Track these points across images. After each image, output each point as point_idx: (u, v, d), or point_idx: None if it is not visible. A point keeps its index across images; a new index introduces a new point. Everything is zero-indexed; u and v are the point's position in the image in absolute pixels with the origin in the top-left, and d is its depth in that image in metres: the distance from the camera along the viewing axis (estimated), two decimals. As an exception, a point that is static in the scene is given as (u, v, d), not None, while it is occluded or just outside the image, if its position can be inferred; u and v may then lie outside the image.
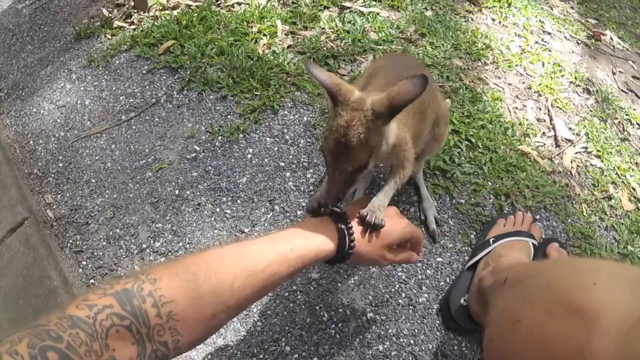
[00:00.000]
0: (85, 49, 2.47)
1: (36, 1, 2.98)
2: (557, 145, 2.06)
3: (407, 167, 1.23)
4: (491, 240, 1.54)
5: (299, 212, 1.68)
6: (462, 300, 1.44)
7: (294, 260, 0.95)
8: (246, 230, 1.64)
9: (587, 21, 2.96)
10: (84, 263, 1.65)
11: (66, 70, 2.38)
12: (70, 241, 1.72)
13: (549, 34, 2.67)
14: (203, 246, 1.62)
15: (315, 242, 1.00)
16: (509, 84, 2.26)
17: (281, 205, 1.71)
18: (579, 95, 2.34)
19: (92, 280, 1.60)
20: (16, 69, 2.49)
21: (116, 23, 2.55)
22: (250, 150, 1.89)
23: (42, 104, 2.24)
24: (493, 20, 2.65)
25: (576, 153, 2.05)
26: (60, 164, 1.96)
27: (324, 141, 1.05)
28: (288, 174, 1.80)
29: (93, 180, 1.87)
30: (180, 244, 1.63)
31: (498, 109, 2.09)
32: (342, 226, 1.04)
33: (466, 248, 1.63)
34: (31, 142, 2.08)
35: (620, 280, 0.79)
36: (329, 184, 1.07)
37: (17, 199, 1.83)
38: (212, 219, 1.69)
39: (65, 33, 2.64)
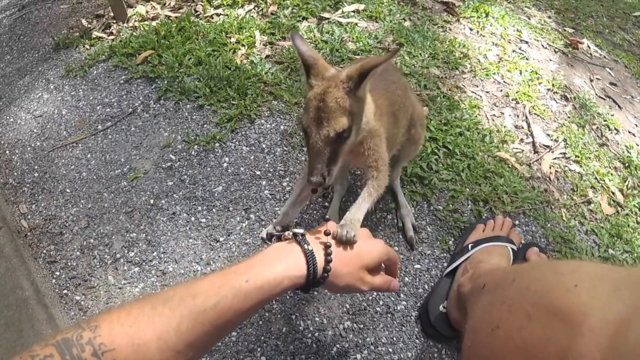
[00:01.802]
0: (64, 59, 2.45)
1: (16, 12, 2.98)
2: (536, 152, 2.08)
3: (383, 174, 1.21)
4: (470, 246, 1.53)
5: (274, 221, 1.66)
6: (441, 307, 1.43)
7: (251, 293, 0.86)
8: (221, 239, 1.62)
9: (565, 30, 3.01)
10: (58, 273, 1.62)
11: (44, 80, 2.36)
12: (44, 251, 1.69)
13: (527, 42, 2.70)
14: (177, 255, 1.60)
15: (276, 270, 0.90)
16: (487, 92, 2.28)
17: (257, 213, 1.69)
18: (557, 102, 2.37)
19: (65, 291, 1.57)
20: (-7, 79, 2.46)
21: (95, 33, 2.55)
22: (226, 159, 1.87)
23: (19, 114, 2.21)
24: (471, 30, 2.68)
25: (555, 159, 2.07)
26: (36, 174, 1.93)
27: (303, 115, 1.04)
28: (264, 183, 1.79)
29: (68, 190, 1.85)
30: (155, 253, 1.61)
31: (476, 116, 2.11)
32: (309, 247, 0.95)
33: (444, 254, 1.63)
34: (7, 151, 2.06)
35: (603, 280, 0.77)
36: (312, 158, 1.02)
37: (-9, 208, 1.80)
38: (187, 228, 1.67)
39: (45, 43, 2.62)
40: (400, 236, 1.66)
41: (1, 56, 2.62)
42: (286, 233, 1.02)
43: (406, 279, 1.56)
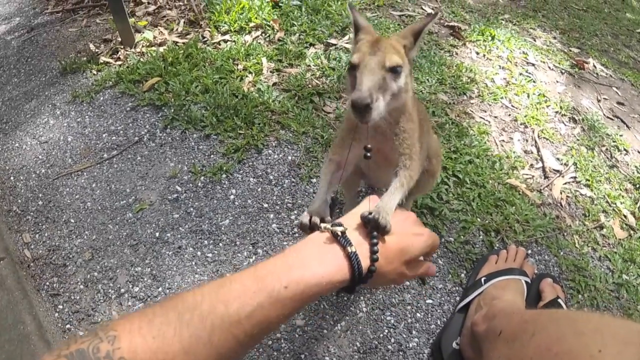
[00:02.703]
0: (71, 84, 2.44)
1: (25, 34, 2.98)
2: (546, 177, 2.05)
3: (415, 164, 1.14)
4: (483, 280, 1.50)
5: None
6: (454, 344, 1.39)
7: (289, 300, 0.77)
8: (228, 275, 1.58)
9: (570, 50, 3.00)
10: (61, 307, 1.59)
11: (50, 105, 2.35)
12: (47, 283, 1.65)
13: (533, 65, 2.69)
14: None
15: (318, 273, 0.81)
16: (495, 117, 2.26)
17: (264, 248, 1.66)
18: (565, 125, 2.35)
19: (68, 326, 1.54)
20: (0, 102, 2.45)
21: (102, 58, 2.54)
22: (233, 191, 1.85)
23: (24, 139, 2.19)
24: (477, 53, 2.67)
25: (565, 183, 2.04)
26: (40, 202, 1.91)
27: (354, 54, 0.98)
28: (272, 216, 1.76)
29: (72, 220, 1.82)
30: (160, 289, 1.57)
31: (485, 142, 2.08)
32: (353, 249, 0.85)
33: (457, 288, 1.59)
34: (12, 178, 2.03)
35: (628, 346, 0.73)
36: (362, 77, 0.92)
37: (-7, 238, 1.77)
38: (193, 262, 1.63)
39: (52, 67, 2.62)
40: (411, 270, 1.62)
41: (8, 79, 2.61)
42: (322, 226, 0.91)
43: (418, 314, 1.52)
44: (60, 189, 1.94)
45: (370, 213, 0.93)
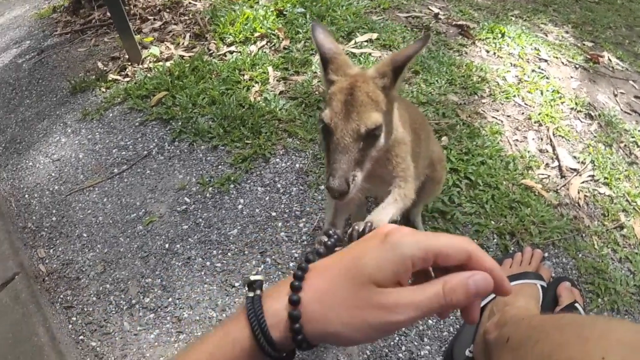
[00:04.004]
0: (81, 102, 2.49)
1: (35, 56, 3.07)
2: (562, 176, 1.98)
3: (409, 185, 1.09)
4: None
5: (291, 264, 1.62)
6: (467, 352, 1.34)
7: None
8: (237, 284, 1.58)
9: (584, 44, 2.93)
10: (74, 319, 1.61)
11: (62, 124, 2.40)
12: (61, 296, 1.68)
13: (546, 61, 2.63)
14: (192, 301, 1.56)
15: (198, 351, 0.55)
16: (508, 116, 2.21)
17: (273, 257, 1.65)
18: (581, 122, 2.28)
19: (81, 337, 1.56)
20: (14, 123, 2.52)
21: (111, 76, 2.59)
22: (241, 200, 1.85)
23: (37, 158, 2.24)
24: (487, 52, 2.62)
25: (583, 182, 1.97)
26: (54, 218, 1.94)
27: (325, 109, 0.91)
28: (280, 224, 1.75)
29: (85, 235, 1.84)
30: (170, 299, 1.57)
31: (498, 143, 2.03)
32: (255, 294, 0.56)
33: (470, 293, 1.54)
34: (26, 195, 2.08)
35: (635, 352, 0.69)
36: (336, 158, 0.86)
37: (8, 253, 1.81)
38: (202, 273, 1.63)
39: (62, 87, 2.68)
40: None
41: (21, 100, 2.69)
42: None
43: (430, 321, 1.48)
44: (73, 204, 1.97)
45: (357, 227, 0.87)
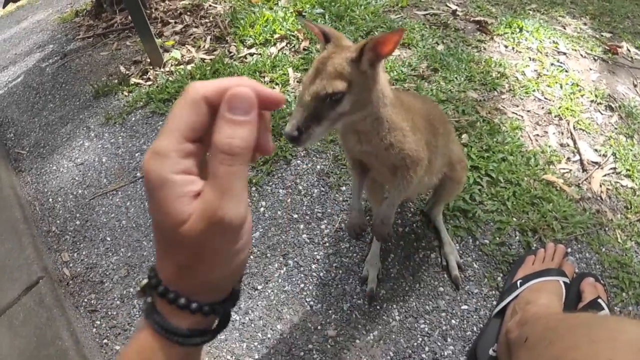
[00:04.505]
0: (103, 106, 2.53)
1: (58, 60, 3.12)
2: (584, 170, 1.94)
3: (415, 168, 1.17)
4: (519, 283, 1.43)
5: (313, 266, 1.62)
6: (490, 351, 1.33)
7: None
8: (259, 287, 1.59)
9: (602, 35, 2.86)
10: (98, 322, 1.64)
11: (85, 128, 2.44)
12: (85, 300, 1.71)
13: (564, 54, 2.58)
14: (216, 305, 1.57)
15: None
16: (528, 111, 2.18)
17: (295, 259, 1.66)
18: (602, 114, 2.23)
19: (105, 340, 1.59)
20: (38, 127, 2.57)
21: (133, 80, 2.63)
22: (263, 203, 1.86)
23: (61, 162, 2.29)
24: (506, 47, 2.58)
25: (605, 175, 1.93)
26: (78, 222, 1.98)
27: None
28: (302, 226, 1.75)
29: (108, 239, 1.88)
30: (194, 303, 1.59)
31: (518, 138, 2.00)
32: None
33: (493, 292, 1.53)
34: (50, 199, 2.12)
35: None
36: (295, 111, 0.99)
37: (33, 257, 1.86)
38: (225, 275, 1.64)
39: (85, 91, 2.72)
40: (445, 275, 1.57)
41: (45, 104, 2.74)
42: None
43: (453, 321, 1.47)
44: (97, 208, 2.00)
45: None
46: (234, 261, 0.50)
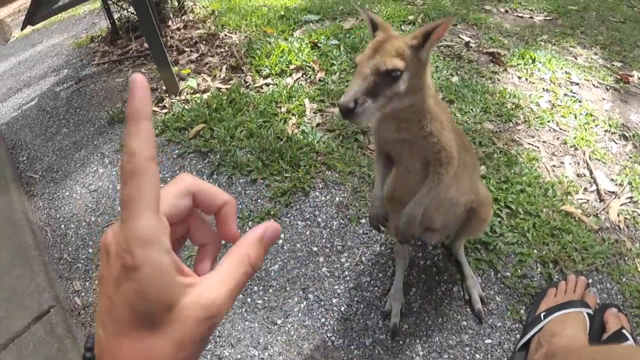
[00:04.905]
0: (118, 133, 2.54)
1: (73, 85, 3.15)
2: (601, 200, 1.94)
3: (447, 165, 1.15)
4: (542, 315, 1.42)
5: (333, 300, 1.59)
6: (516, 384, 1.31)
7: None
8: (279, 321, 1.56)
9: (613, 65, 2.89)
10: (110, 355, 1.60)
11: (99, 154, 2.44)
12: (98, 331, 1.67)
13: (577, 84, 2.60)
14: (234, 339, 1.54)
15: None
16: (544, 142, 2.18)
17: (315, 293, 1.63)
18: (616, 143, 2.24)
19: (118, 375, 1.54)
20: (51, 152, 2.57)
21: (148, 107, 2.63)
22: (282, 235, 1.84)
23: (74, 188, 2.28)
24: (519, 78, 2.61)
25: (622, 205, 1.92)
26: (90, 250, 1.96)
27: (357, 56, 1.03)
28: (321, 259, 1.73)
29: (123, 268, 1.85)
30: (210, 337, 1.56)
31: (535, 169, 2.00)
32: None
33: (516, 325, 1.50)
34: (62, 225, 2.10)
35: None
36: (353, 81, 0.97)
37: (44, 285, 1.81)
38: (243, 310, 1.62)
39: (100, 117, 2.73)
40: (468, 309, 1.55)
41: (58, 129, 2.74)
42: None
43: (477, 355, 1.44)
44: (111, 236, 1.98)
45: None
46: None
